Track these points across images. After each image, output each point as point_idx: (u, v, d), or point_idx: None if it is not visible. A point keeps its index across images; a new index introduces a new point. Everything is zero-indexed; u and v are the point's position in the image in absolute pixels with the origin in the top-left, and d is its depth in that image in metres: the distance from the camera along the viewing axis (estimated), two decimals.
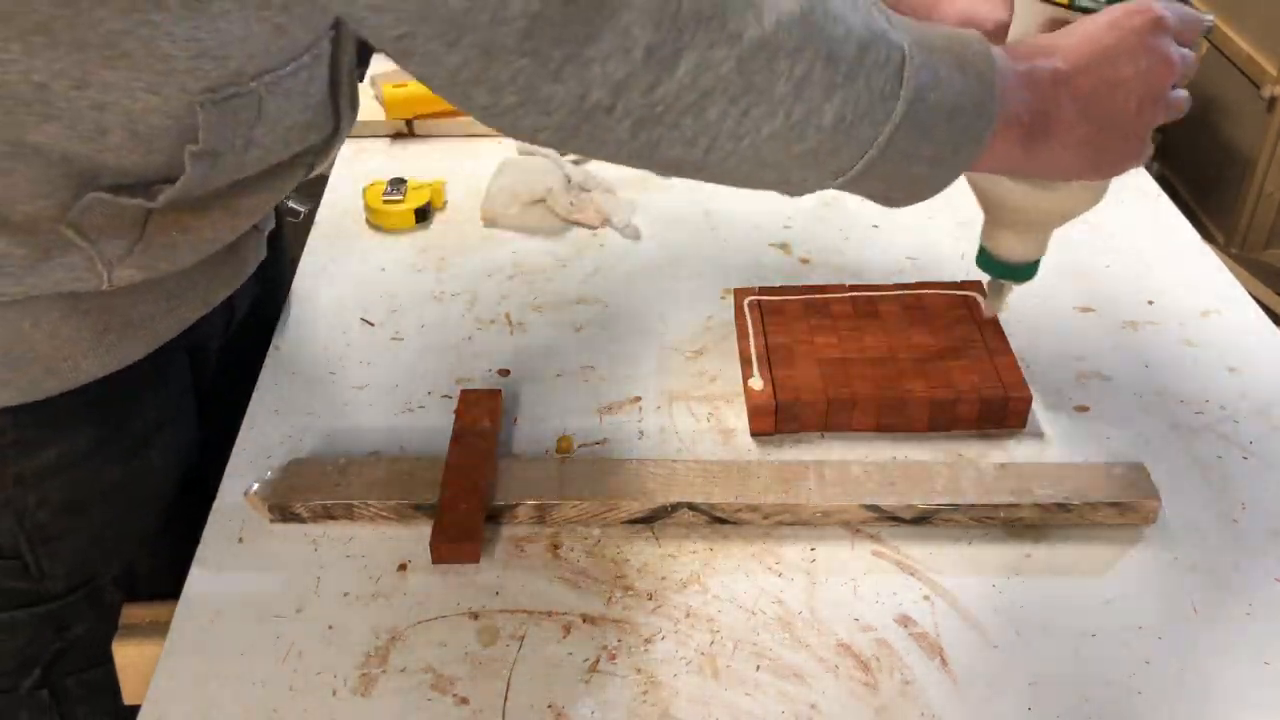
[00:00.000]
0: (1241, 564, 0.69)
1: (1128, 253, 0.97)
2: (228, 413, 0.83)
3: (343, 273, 0.96)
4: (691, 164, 0.54)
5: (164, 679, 0.63)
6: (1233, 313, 0.90)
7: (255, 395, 0.82)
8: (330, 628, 0.65)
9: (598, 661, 0.63)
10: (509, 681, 0.62)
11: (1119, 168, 0.64)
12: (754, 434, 0.78)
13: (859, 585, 0.67)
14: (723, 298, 0.92)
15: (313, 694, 0.62)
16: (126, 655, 0.71)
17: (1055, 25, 0.64)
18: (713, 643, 0.64)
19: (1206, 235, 2.18)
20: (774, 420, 0.77)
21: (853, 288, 0.87)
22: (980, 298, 0.86)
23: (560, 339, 0.88)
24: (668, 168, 0.55)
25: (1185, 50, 0.64)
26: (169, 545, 0.82)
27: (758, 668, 0.63)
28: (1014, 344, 0.82)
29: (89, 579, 0.77)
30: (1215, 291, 0.93)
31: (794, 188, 0.57)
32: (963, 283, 0.87)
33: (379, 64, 1.27)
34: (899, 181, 0.58)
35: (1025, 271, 0.74)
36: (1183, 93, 0.64)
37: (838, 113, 0.52)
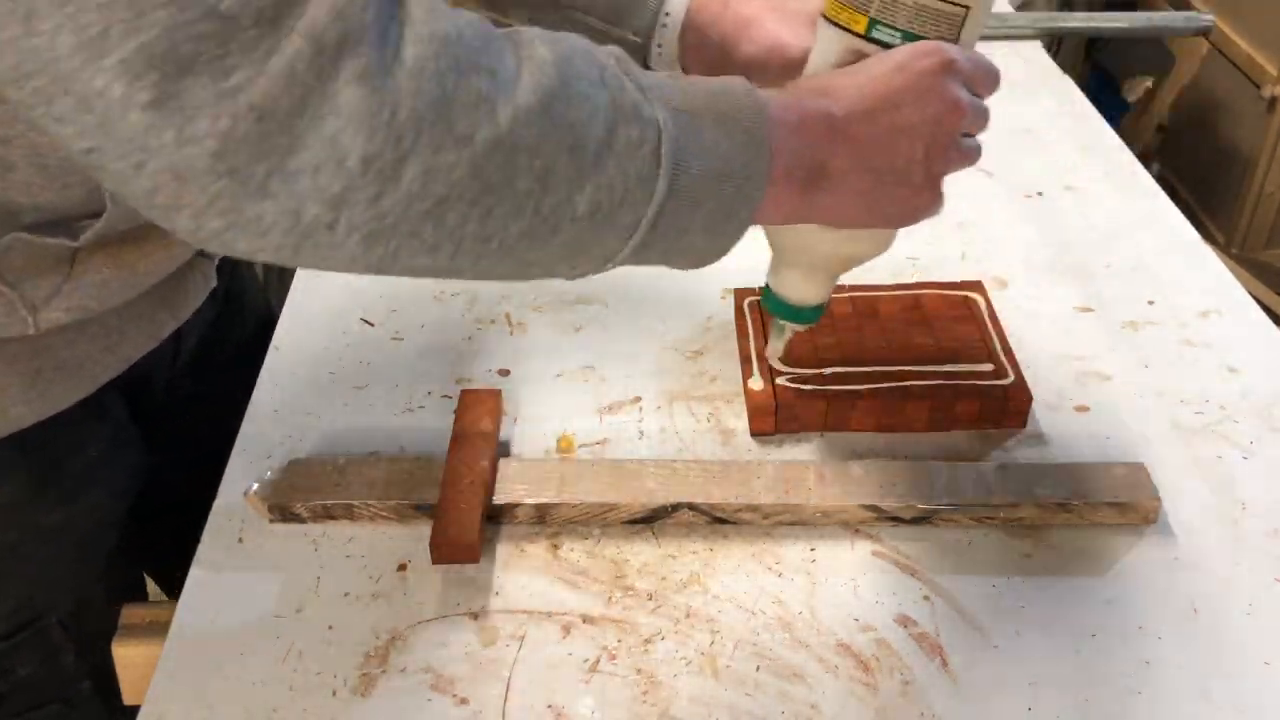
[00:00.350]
0: (1241, 564, 0.69)
1: (1128, 253, 0.97)
2: (181, 445, 0.81)
3: (343, 273, 0.96)
4: (443, 270, 0.49)
5: (164, 679, 0.63)
6: (1233, 313, 0.90)
7: (255, 395, 0.82)
8: (330, 628, 0.65)
9: (598, 661, 0.63)
10: (509, 681, 0.62)
11: (907, 218, 0.61)
12: (754, 434, 0.78)
13: (859, 585, 0.67)
14: (723, 298, 0.92)
15: (313, 694, 0.62)
16: (126, 655, 0.71)
17: (856, 55, 0.60)
18: (713, 643, 0.64)
19: (1206, 235, 2.18)
20: (774, 420, 0.77)
21: (853, 288, 0.87)
22: (980, 297, 0.86)
23: (560, 339, 0.88)
24: (416, 274, 0.49)
25: (977, 99, 0.61)
26: (120, 576, 0.80)
27: (758, 668, 0.63)
28: (1014, 344, 0.82)
29: (31, 620, 0.74)
30: (1215, 291, 0.93)
31: (568, 275, 0.54)
32: (962, 283, 0.87)
33: None
34: (676, 253, 0.55)
35: (808, 314, 0.70)
36: (974, 141, 0.61)
37: (591, 201, 0.49)
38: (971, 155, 0.61)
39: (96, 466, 0.75)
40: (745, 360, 0.80)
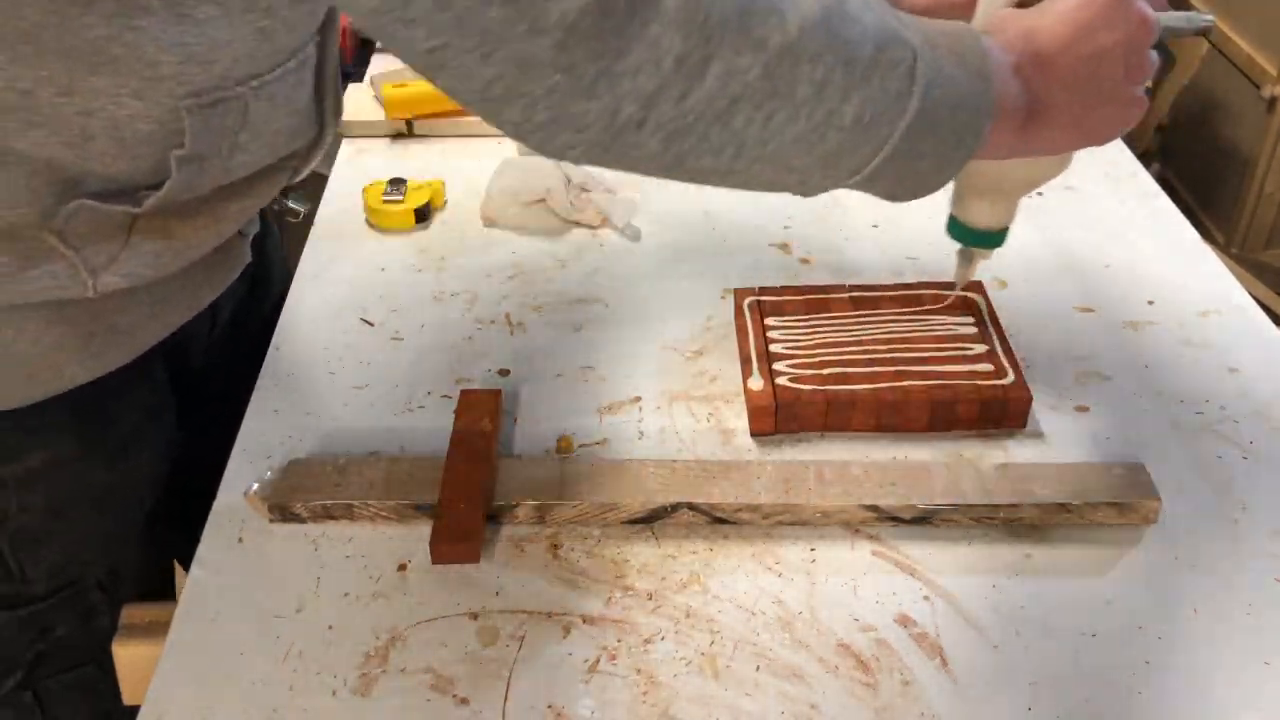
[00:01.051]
0: (1241, 564, 0.69)
1: (1128, 253, 0.97)
2: (210, 414, 0.83)
3: (342, 273, 0.96)
4: (719, 172, 0.54)
5: (164, 679, 0.63)
6: (1233, 313, 0.90)
7: (255, 395, 0.82)
8: (330, 628, 0.65)
9: (598, 661, 0.63)
10: (509, 681, 0.62)
11: (1114, 133, 0.65)
12: (754, 434, 0.78)
13: (859, 585, 0.67)
14: (723, 298, 0.92)
15: (313, 694, 0.62)
16: (126, 655, 0.71)
17: None
18: (713, 643, 0.64)
19: (1206, 235, 2.18)
20: (774, 420, 0.77)
21: (853, 288, 0.87)
22: (980, 297, 0.86)
23: (560, 339, 0.88)
24: (695, 176, 0.55)
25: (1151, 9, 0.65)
26: (154, 545, 0.82)
27: (758, 668, 0.63)
28: (1014, 344, 0.82)
29: (72, 581, 0.77)
30: (1215, 291, 0.93)
31: (810, 189, 0.58)
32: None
33: (378, 64, 1.27)
34: (906, 177, 0.58)
35: (994, 239, 0.74)
36: (1152, 53, 0.65)
37: (856, 113, 0.53)
38: (1154, 65, 0.65)
39: (141, 429, 0.77)
40: (745, 360, 0.80)
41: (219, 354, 0.89)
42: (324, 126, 0.77)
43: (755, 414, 0.77)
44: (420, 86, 1.12)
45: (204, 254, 0.73)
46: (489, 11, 0.45)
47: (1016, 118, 0.59)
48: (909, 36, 0.54)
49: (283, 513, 0.71)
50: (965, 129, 0.57)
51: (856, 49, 0.52)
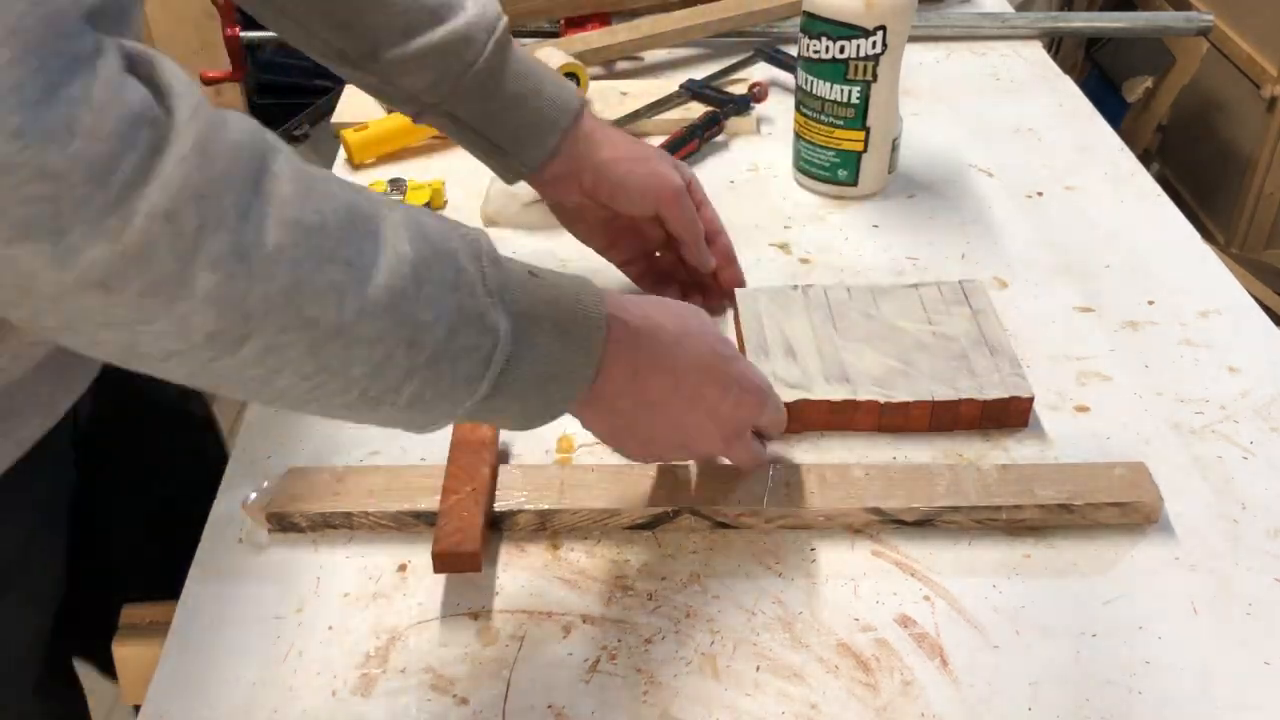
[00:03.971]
0: (1241, 564, 0.69)
1: (1128, 253, 0.97)
2: (110, 503, 0.77)
3: None
4: (260, 401, 0.52)
5: (164, 679, 0.63)
6: (1233, 313, 0.90)
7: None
8: (330, 628, 0.65)
9: (598, 661, 0.63)
10: (509, 681, 0.62)
11: (696, 448, 0.67)
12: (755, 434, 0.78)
13: (859, 585, 0.67)
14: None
15: (313, 694, 0.62)
16: (126, 655, 0.71)
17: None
18: (713, 643, 0.64)
19: (1206, 235, 2.18)
20: (828, 419, 0.77)
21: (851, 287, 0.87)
22: (979, 296, 0.86)
23: None
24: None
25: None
26: (54, 689, 0.75)
27: (758, 668, 0.63)
28: (1014, 344, 0.82)
29: None
30: (1215, 291, 0.93)
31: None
32: (962, 282, 0.87)
33: (339, 114, 1.24)
34: (494, 422, 0.60)
35: None
36: (760, 447, 0.70)
37: (415, 393, 0.51)
38: (759, 456, 0.70)
39: (10, 571, 0.70)
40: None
41: (101, 439, 0.80)
42: None
43: None
44: (379, 127, 1.11)
45: (48, 352, 0.64)
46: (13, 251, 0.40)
47: (616, 390, 0.60)
48: (495, 320, 0.53)
49: (281, 523, 0.71)
50: (556, 396, 0.57)
51: (425, 333, 0.50)
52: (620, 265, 0.86)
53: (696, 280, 0.87)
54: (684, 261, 0.85)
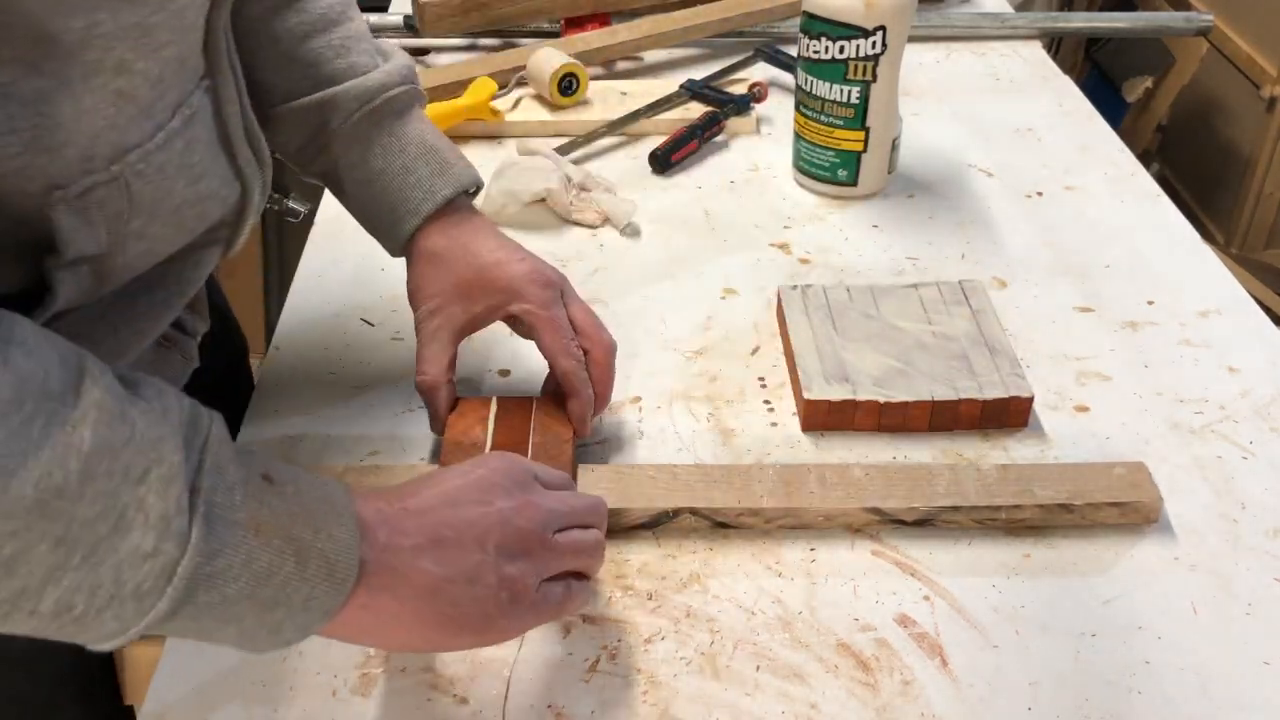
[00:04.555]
0: (1241, 564, 0.69)
1: (1128, 253, 0.97)
2: None
3: (343, 273, 0.96)
4: None
5: (164, 679, 0.63)
6: (1233, 313, 0.90)
7: (255, 396, 0.82)
8: None
9: (598, 661, 0.63)
10: (509, 681, 0.62)
11: (482, 630, 0.55)
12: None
13: (859, 585, 0.67)
14: (723, 298, 0.92)
15: (313, 694, 0.62)
16: (126, 655, 0.71)
17: None
18: (713, 643, 0.64)
19: (1206, 235, 2.18)
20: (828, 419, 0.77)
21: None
22: (979, 296, 0.86)
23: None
24: None
25: (566, 508, 0.59)
26: (90, 706, 0.72)
27: (758, 668, 0.63)
28: (1014, 344, 0.82)
29: None
30: (1215, 291, 0.93)
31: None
32: (962, 282, 0.87)
33: None
34: (206, 640, 0.50)
35: None
36: (581, 585, 0.59)
37: (64, 601, 0.44)
38: (559, 599, 0.57)
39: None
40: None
41: None
42: (247, 184, 0.66)
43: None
44: None
45: (130, 364, 0.62)
46: None
47: (377, 609, 0.51)
48: (184, 526, 0.45)
49: None
50: (284, 623, 0.49)
51: (84, 531, 0.43)
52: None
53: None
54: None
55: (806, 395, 0.77)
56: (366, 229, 0.78)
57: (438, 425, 0.74)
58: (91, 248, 0.55)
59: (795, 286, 0.87)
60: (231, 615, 0.47)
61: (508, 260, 0.73)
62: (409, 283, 0.76)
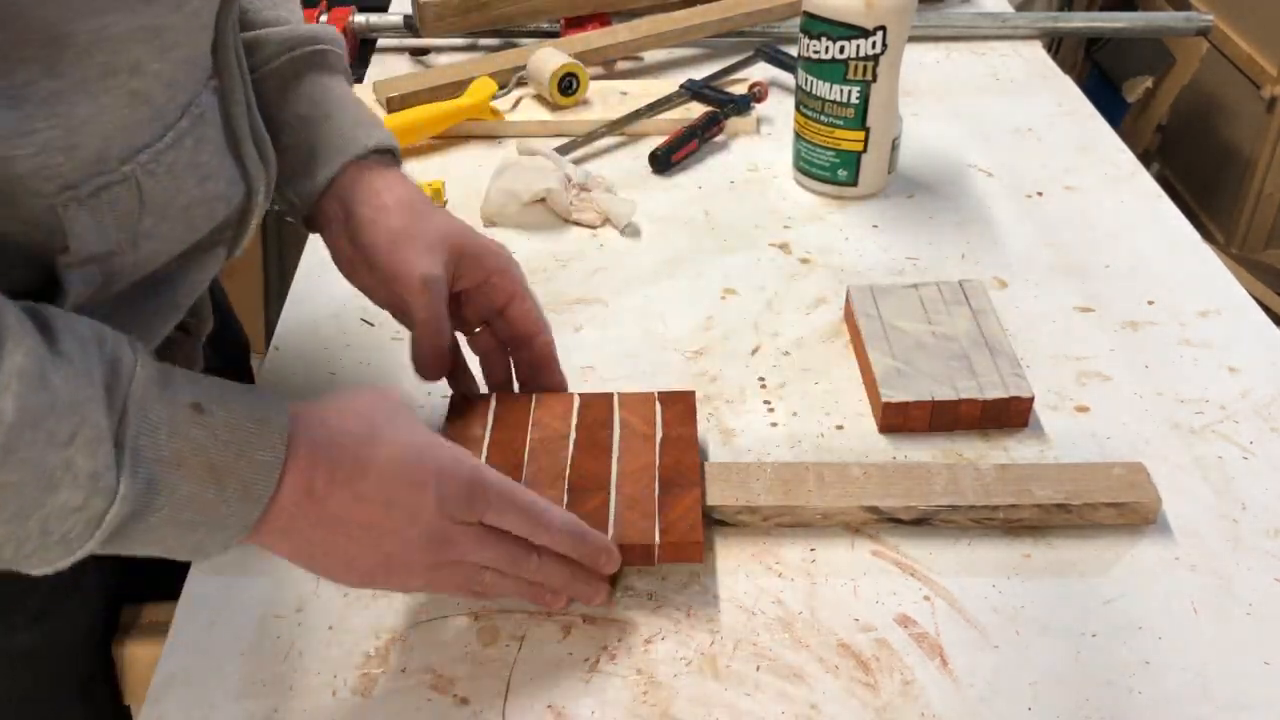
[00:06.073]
0: (1241, 564, 0.69)
1: (1128, 253, 0.97)
2: None
3: None
4: None
5: (164, 679, 0.63)
6: (1233, 313, 0.90)
7: None
8: (330, 628, 0.65)
9: (598, 661, 0.63)
10: (509, 681, 0.62)
11: (388, 578, 0.58)
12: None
13: (859, 585, 0.67)
14: (723, 298, 0.92)
15: (313, 694, 0.62)
16: (126, 655, 0.71)
17: None
18: (713, 643, 0.64)
19: (1206, 235, 2.18)
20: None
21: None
22: (979, 296, 0.86)
23: (560, 339, 0.87)
24: None
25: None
26: (91, 705, 0.74)
27: (758, 668, 0.63)
28: (1014, 344, 0.82)
29: None
30: (1215, 291, 0.93)
31: None
32: (962, 282, 0.87)
33: (377, 67, 1.27)
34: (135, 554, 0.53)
35: None
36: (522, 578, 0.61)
37: None
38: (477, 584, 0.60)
39: (70, 582, 0.68)
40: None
41: None
42: (252, 184, 0.66)
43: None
44: (398, 119, 1.12)
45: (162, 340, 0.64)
46: None
47: (294, 505, 0.54)
48: (112, 482, 0.47)
49: None
50: (206, 541, 0.52)
51: (7, 494, 0.45)
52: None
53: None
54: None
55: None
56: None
57: (434, 350, 0.70)
58: (102, 247, 0.56)
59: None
60: (154, 539, 0.50)
61: (403, 232, 0.70)
62: (329, 248, 0.73)
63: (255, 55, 0.71)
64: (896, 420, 0.77)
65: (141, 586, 0.73)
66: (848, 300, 0.87)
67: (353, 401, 0.59)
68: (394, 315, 0.74)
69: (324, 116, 0.72)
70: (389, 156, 0.73)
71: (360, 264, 0.72)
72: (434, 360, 0.70)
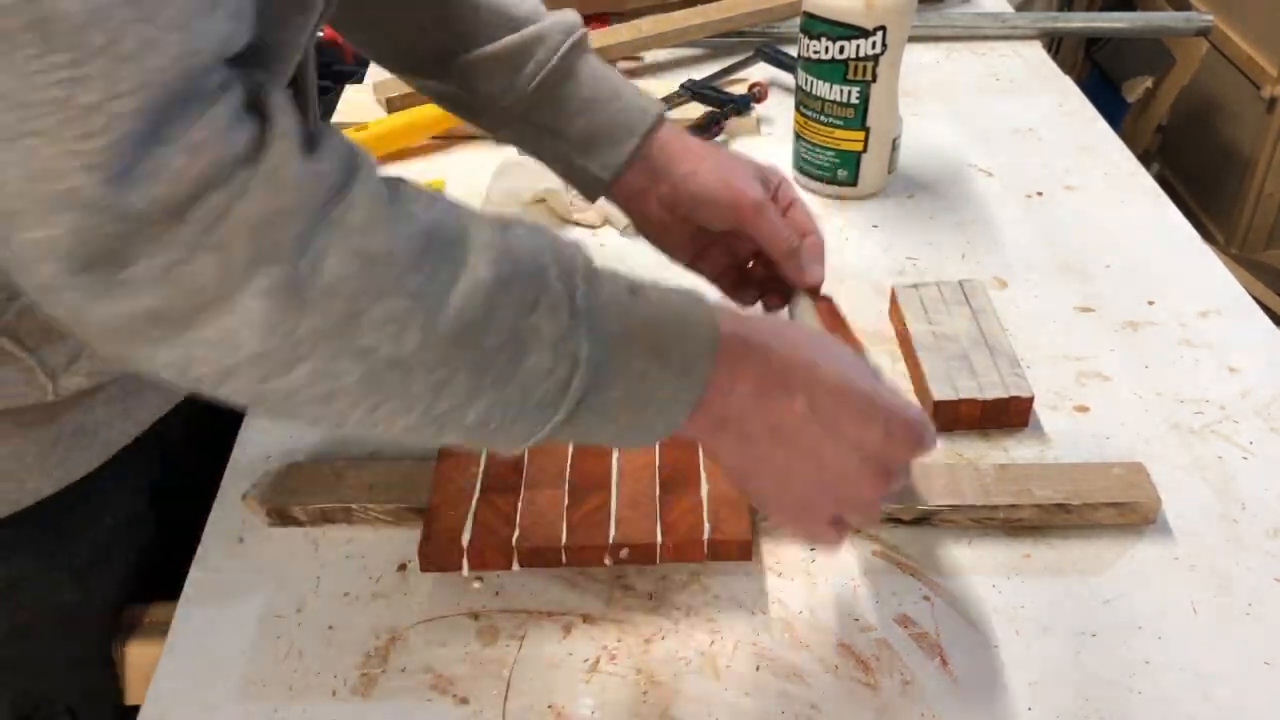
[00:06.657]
0: (1241, 564, 0.69)
1: (1128, 253, 0.97)
2: (190, 501, 0.77)
3: None
4: (329, 426, 0.50)
5: (164, 679, 0.63)
6: (1233, 313, 0.90)
7: None
8: (330, 628, 0.65)
9: (598, 661, 0.63)
10: (509, 681, 0.62)
11: (799, 516, 0.58)
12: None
13: (859, 585, 0.67)
14: (723, 298, 0.92)
15: (313, 694, 0.62)
16: (126, 655, 0.71)
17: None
18: (713, 643, 0.64)
19: (1206, 235, 2.18)
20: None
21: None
22: (979, 296, 0.86)
23: None
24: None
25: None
26: (100, 677, 0.74)
27: (758, 668, 0.63)
28: (1014, 344, 0.82)
29: (38, 708, 0.71)
30: (1215, 291, 0.93)
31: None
32: (962, 282, 0.87)
33: (339, 114, 1.26)
34: (588, 442, 0.55)
35: None
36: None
37: (482, 416, 0.49)
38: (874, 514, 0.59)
39: (112, 542, 0.71)
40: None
41: (202, 435, 0.81)
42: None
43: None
44: (379, 127, 1.11)
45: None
46: (62, 294, 0.42)
47: (722, 416, 0.55)
48: (575, 346, 0.50)
49: (280, 516, 0.71)
50: (653, 421, 0.53)
51: (492, 356, 0.48)
52: (710, 279, 0.79)
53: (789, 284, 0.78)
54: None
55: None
56: (567, 167, 0.78)
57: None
58: None
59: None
60: (611, 416, 0.52)
61: (722, 168, 0.75)
62: (631, 211, 0.78)
63: (540, 49, 0.75)
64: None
65: (163, 560, 0.74)
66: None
67: (775, 321, 0.61)
68: (695, 267, 0.78)
69: (613, 94, 0.76)
70: (664, 115, 0.78)
71: (674, 223, 0.76)
72: (793, 267, 0.74)
